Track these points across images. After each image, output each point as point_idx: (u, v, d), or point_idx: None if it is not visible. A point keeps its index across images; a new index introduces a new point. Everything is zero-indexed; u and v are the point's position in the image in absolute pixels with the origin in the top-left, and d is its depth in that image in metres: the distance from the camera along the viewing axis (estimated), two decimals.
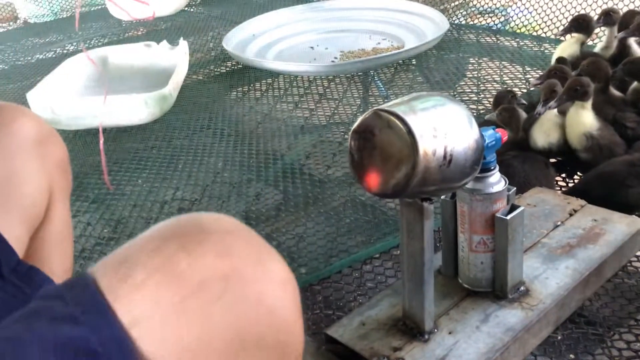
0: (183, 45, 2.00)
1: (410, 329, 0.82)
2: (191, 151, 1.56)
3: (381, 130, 0.68)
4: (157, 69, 1.99)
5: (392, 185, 0.68)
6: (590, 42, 1.72)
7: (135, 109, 1.66)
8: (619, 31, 1.48)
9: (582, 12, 2.16)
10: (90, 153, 1.56)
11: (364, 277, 1.06)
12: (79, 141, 1.66)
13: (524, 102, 1.38)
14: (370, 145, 0.69)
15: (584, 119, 1.23)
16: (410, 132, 0.65)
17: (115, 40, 2.72)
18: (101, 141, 1.33)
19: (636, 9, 1.78)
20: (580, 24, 1.53)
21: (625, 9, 2.00)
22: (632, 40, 1.47)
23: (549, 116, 1.28)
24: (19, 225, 0.71)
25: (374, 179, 0.69)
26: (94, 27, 2.95)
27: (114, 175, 1.48)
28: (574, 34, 1.57)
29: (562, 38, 1.67)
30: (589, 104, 1.23)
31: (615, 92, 1.32)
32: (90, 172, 1.47)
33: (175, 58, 1.95)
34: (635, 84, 1.33)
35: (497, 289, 0.87)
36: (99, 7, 3.44)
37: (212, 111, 1.80)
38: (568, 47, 1.55)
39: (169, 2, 3.04)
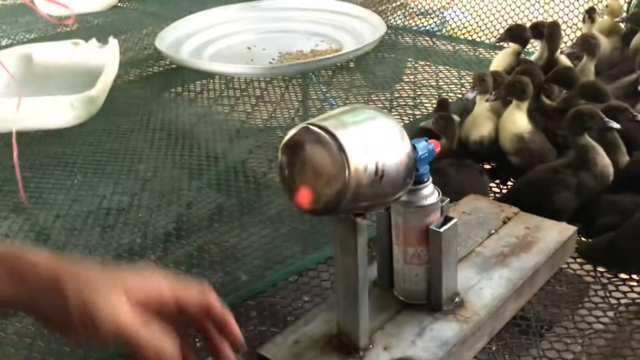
0: (113, 43, 1.91)
1: (346, 345, 0.80)
2: (119, 156, 1.48)
3: (311, 145, 0.65)
4: (86, 68, 1.89)
5: (324, 202, 0.66)
6: (531, 49, 1.75)
7: (61, 111, 1.57)
8: (547, 43, 1.51)
9: (518, 18, 2.21)
10: (10, 157, 1.46)
11: (300, 290, 1.03)
12: None
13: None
14: (300, 160, 0.66)
15: (517, 120, 1.25)
16: (340, 147, 0.63)
17: (42, 36, 2.58)
18: (15, 152, 1.24)
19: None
20: (514, 34, 1.55)
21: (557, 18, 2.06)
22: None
23: (481, 110, 1.30)
24: None
25: (304, 196, 0.66)
26: (20, 22, 2.79)
27: (37, 183, 1.40)
28: (510, 44, 1.59)
29: (501, 44, 1.69)
30: (524, 105, 1.25)
31: (546, 100, 1.35)
32: (10, 179, 1.37)
33: (104, 57, 1.86)
34: (565, 92, 1.36)
35: (432, 301, 0.86)
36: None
37: (143, 113, 1.73)
38: (504, 58, 1.57)
39: None
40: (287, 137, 0.67)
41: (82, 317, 0.54)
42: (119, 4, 3.04)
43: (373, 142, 0.66)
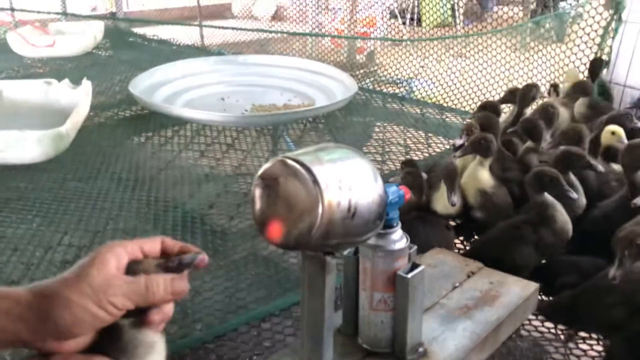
0: (86, 85, 1.92)
1: None
2: (84, 195, 1.46)
3: (286, 178, 0.65)
4: (56, 107, 1.89)
5: (295, 237, 0.65)
6: None
7: (28, 146, 1.55)
8: (519, 105, 1.59)
9: (484, 87, 2.31)
10: None
11: (262, 336, 1.01)
12: None
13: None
14: (274, 193, 0.66)
15: (481, 175, 1.28)
16: (315, 181, 0.63)
17: (14, 75, 2.57)
18: None
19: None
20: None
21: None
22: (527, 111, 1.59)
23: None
24: None
25: (276, 229, 0.66)
26: None
27: None
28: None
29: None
30: (487, 162, 1.29)
31: (505, 151, 1.40)
32: None
33: (76, 97, 1.85)
34: (528, 143, 1.41)
35: (397, 350, 0.85)
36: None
37: (111, 155, 1.72)
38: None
39: (75, 42, 2.94)
40: (262, 170, 0.67)
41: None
42: (94, 51, 3.07)
43: (347, 179, 0.66)
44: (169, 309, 0.63)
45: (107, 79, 2.51)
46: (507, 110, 1.71)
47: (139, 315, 0.61)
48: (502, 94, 2.14)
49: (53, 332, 0.55)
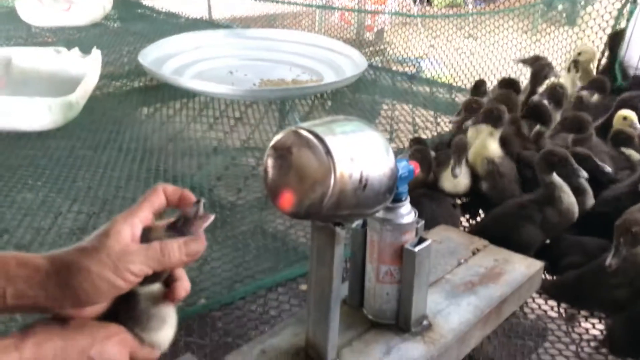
0: (96, 54, 1.91)
1: (312, 359, 0.80)
2: (93, 163, 1.47)
3: (299, 149, 0.66)
4: (66, 76, 1.89)
5: (306, 206, 0.66)
6: None
7: (37, 113, 1.56)
8: (531, 84, 1.58)
9: (494, 67, 2.29)
10: None
11: (268, 305, 1.02)
12: None
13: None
14: (286, 163, 0.67)
15: (489, 144, 1.29)
16: (328, 152, 0.64)
17: (22, 44, 2.57)
18: None
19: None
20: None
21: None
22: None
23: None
24: None
25: (287, 199, 0.67)
26: None
27: (5, 182, 1.37)
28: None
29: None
30: (497, 133, 1.29)
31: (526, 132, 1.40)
32: None
33: (85, 66, 1.85)
34: (538, 126, 1.41)
35: (401, 322, 0.86)
36: (7, 8, 3.26)
37: (120, 125, 1.72)
38: None
39: (83, 12, 2.93)
40: (274, 140, 0.68)
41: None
42: (103, 21, 3.05)
43: (360, 151, 0.67)
44: (187, 283, 0.64)
45: (116, 49, 2.51)
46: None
47: (153, 281, 0.62)
48: (511, 76, 2.14)
49: (72, 300, 0.56)
